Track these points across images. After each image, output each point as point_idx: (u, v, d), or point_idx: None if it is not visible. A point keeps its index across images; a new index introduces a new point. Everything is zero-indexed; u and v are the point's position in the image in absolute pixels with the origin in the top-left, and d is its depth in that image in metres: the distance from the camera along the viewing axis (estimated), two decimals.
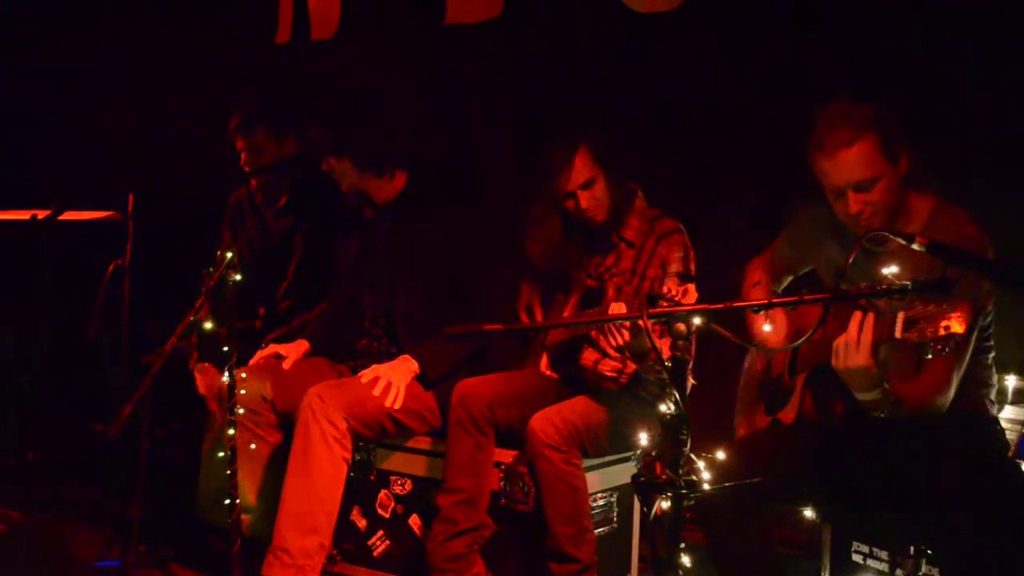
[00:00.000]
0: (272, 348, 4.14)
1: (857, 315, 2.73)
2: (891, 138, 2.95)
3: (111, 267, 4.12)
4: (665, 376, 2.58)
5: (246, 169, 4.57)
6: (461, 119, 5.26)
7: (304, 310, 4.41)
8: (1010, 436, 3.43)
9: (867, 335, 2.69)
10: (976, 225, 2.99)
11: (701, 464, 2.60)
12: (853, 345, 2.70)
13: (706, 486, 2.61)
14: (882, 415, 2.83)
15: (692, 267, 3.78)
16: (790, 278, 3.57)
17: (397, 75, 5.34)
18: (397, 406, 3.85)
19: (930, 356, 2.38)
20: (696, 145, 4.59)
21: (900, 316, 2.48)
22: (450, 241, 4.03)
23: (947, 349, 2.36)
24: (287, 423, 3.92)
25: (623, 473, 3.88)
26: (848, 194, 2.96)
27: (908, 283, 2.52)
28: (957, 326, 2.34)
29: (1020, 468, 2.54)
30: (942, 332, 2.36)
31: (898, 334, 2.45)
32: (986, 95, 3.81)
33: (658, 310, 2.58)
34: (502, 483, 3.77)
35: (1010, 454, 2.51)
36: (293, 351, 4.10)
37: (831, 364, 2.81)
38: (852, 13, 4.10)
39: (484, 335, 2.90)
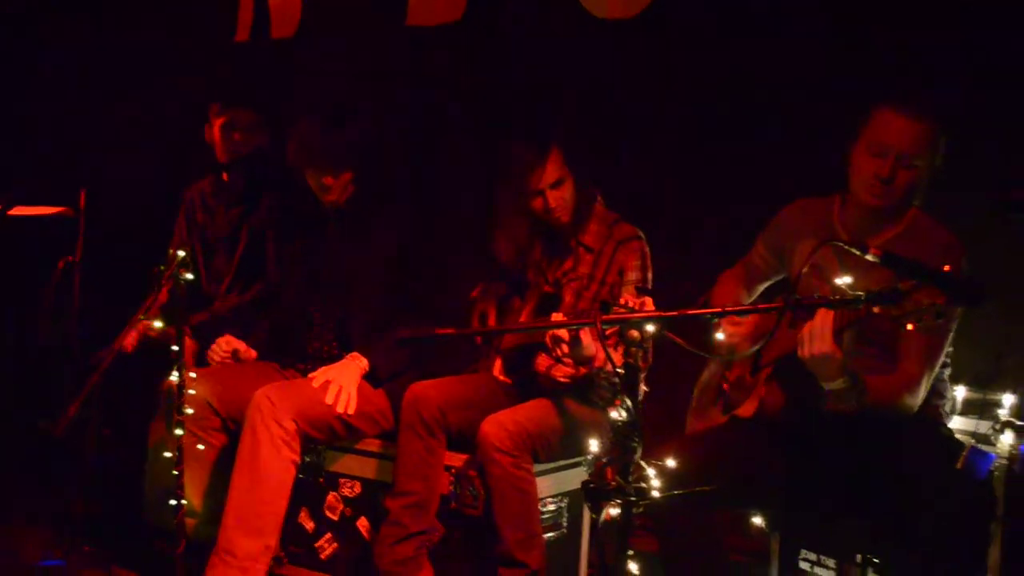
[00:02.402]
0: (227, 342, 4.09)
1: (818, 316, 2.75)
2: (943, 140, 3.02)
3: (61, 264, 4.06)
4: (617, 382, 2.58)
5: (223, 159, 4.50)
6: (420, 121, 5.23)
7: (247, 307, 4.36)
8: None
9: (827, 321, 2.71)
10: (952, 235, 3.06)
11: (651, 471, 2.61)
12: (817, 332, 2.71)
13: (656, 493, 2.62)
14: (850, 405, 2.83)
15: (649, 275, 3.79)
16: (765, 285, 3.58)
17: (357, 75, 5.31)
18: (350, 411, 3.82)
19: (911, 327, 2.38)
20: (660, 151, 4.59)
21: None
22: (404, 244, 4.01)
23: (929, 320, 2.37)
24: (232, 426, 3.87)
25: (574, 478, 3.87)
26: (890, 157, 3.00)
27: (862, 294, 2.54)
28: (933, 298, 2.35)
29: (973, 480, 2.55)
30: (923, 301, 2.36)
31: (876, 308, 2.47)
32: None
33: (612, 316, 2.58)
34: (452, 487, 3.74)
35: (958, 466, 2.52)
36: (243, 347, 4.07)
37: (798, 354, 2.83)
38: (823, 18, 4.11)
39: (436, 339, 2.87)
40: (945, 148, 3.04)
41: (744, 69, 4.22)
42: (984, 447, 3.38)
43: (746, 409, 3.24)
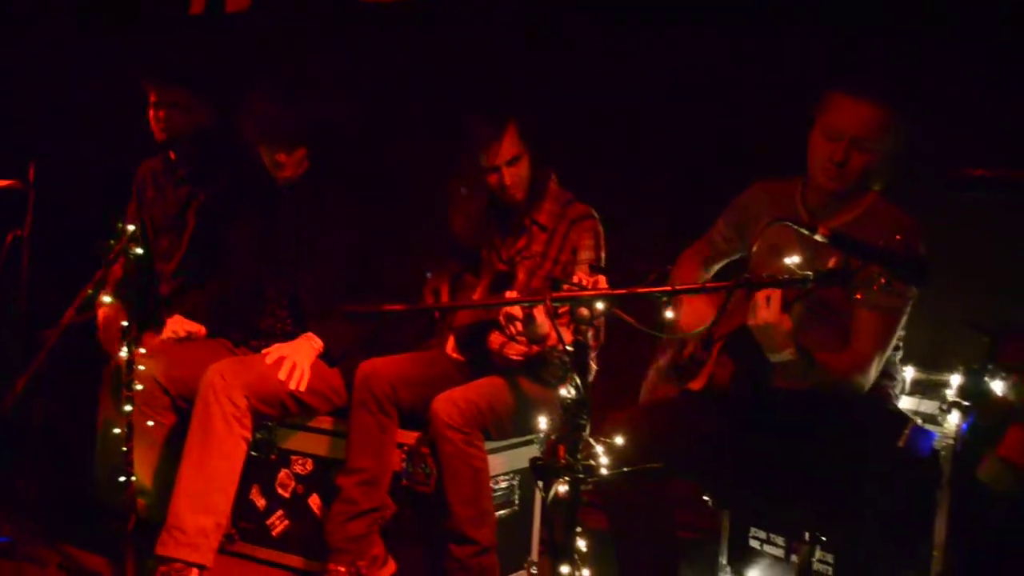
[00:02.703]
0: (178, 322, 4.05)
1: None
2: (900, 128, 3.04)
3: (9, 238, 4.00)
4: (568, 360, 2.58)
5: (160, 138, 4.45)
6: (377, 97, 5.20)
7: (196, 286, 4.32)
8: None
9: (776, 292, 2.73)
10: (910, 217, 3.09)
11: (600, 449, 2.62)
12: (762, 303, 2.74)
13: (604, 471, 2.63)
14: (797, 379, 2.86)
15: (603, 254, 3.79)
16: (723, 263, 3.59)
17: (312, 50, 5.27)
18: (302, 388, 3.80)
19: (859, 296, 2.40)
20: (616, 132, 4.60)
21: (830, 263, 2.52)
22: (358, 221, 3.99)
23: (875, 288, 2.39)
24: (183, 405, 3.84)
25: (526, 456, 3.86)
26: (844, 142, 3.03)
27: (809, 273, 2.56)
28: (882, 270, 2.37)
29: (915, 458, 2.58)
30: (873, 272, 2.39)
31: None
32: None
33: (561, 294, 2.57)
34: (404, 464, 3.75)
35: (900, 444, 2.54)
36: (195, 328, 4.04)
37: (747, 322, 2.84)
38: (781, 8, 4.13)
39: (384, 314, 2.85)
40: (907, 134, 3.05)
41: (700, 52, 4.24)
42: (931, 426, 3.43)
43: (697, 382, 3.26)
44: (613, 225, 3.87)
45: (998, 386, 2.63)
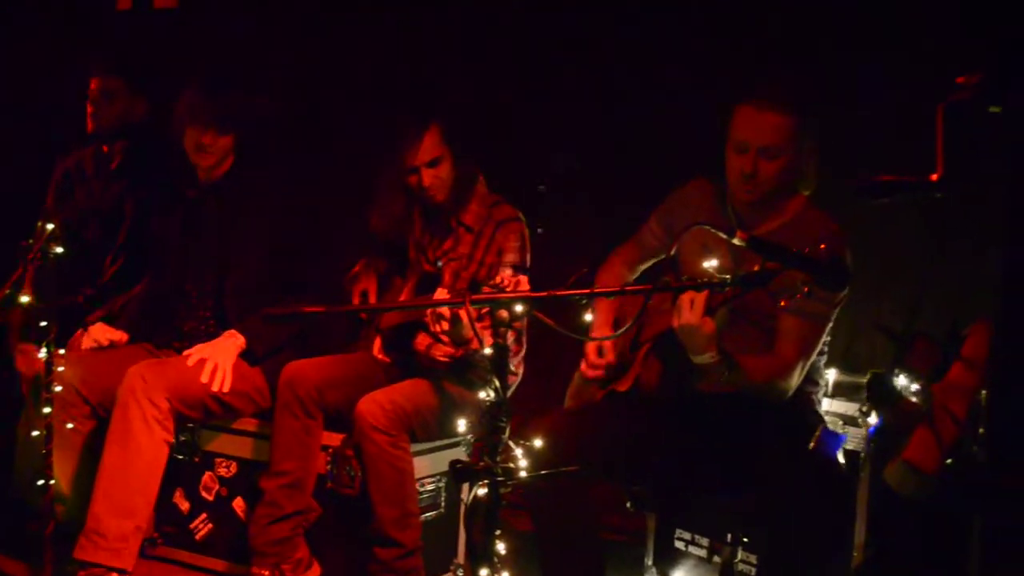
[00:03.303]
0: (100, 331, 3.99)
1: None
2: (808, 131, 3.07)
3: None
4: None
5: (93, 129, 4.38)
6: (303, 97, 5.17)
7: (128, 287, 4.26)
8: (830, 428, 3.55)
9: (700, 296, 2.74)
10: (836, 223, 3.11)
11: (519, 452, 2.61)
12: (686, 305, 2.75)
13: (523, 474, 2.63)
14: (720, 382, 2.87)
15: (527, 257, 3.79)
16: (652, 262, 3.60)
17: (241, 47, 5.22)
18: (225, 390, 3.75)
19: (783, 303, 2.42)
20: (546, 133, 4.61)
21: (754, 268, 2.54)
22: (283, 220, 3.95)
23: (798, 297, 2.40)
24: (103, 413, 3.77)
25: (453, 458, 3.86)
26: (751, 152, 3.06)
27: (727, 276, 2.58)
28: (805, 278, 2.39)
29: (824, 460, 2.61)
30: (797, 279, 2.40)
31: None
32: None
33: (481, 296, 2.57)
34: (329, 466, 3.72)
35: (810, 446, 2.57)
36: (118, 336, 3.98)
37: (672, 324, 2.85)
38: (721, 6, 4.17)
39: (304, 317, 2.84)
40: (813, 138, 3.08)
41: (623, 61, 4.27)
42: (851, 428, 3.48)
43: (623, 384, 3.27)
44: (540, 228, 3.89)
45: (905, 390, 2.67)
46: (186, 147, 3.91)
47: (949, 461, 1.97)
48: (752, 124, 3.05)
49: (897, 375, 2.35)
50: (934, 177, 2.00)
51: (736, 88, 3.09)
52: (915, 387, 2.90)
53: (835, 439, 2.59)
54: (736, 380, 2.92)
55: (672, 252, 2.75)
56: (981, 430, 1.96)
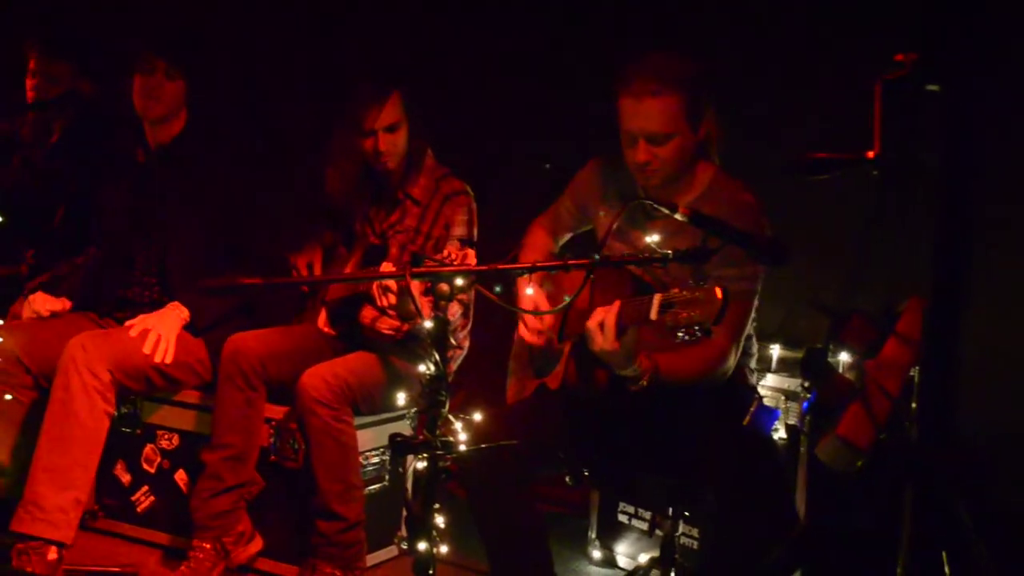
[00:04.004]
0: (40, 301, 3.93)
1: (599, 310, 2.77)
2: (697, 103, 2.97)
3: None
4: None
5: (34, 98, 4.30)
6: (259, 63, 5.11)
7: (69, 255, 4.20)
8: (771, 403, 3.58)
9: (610, 321, 2.71)
10: (752, 193, 3.05)
11: (458, 425, 2.61)
12: (596, 331, 2.73)
13: (462, 447, 2.62)
14: (642, 385, 2.86)
15: (475, 231, 3.78)
16: (569, 236, 3.58)
17: (196, 15, 5.14)
18: (168, 360, 3.72)
19: (679, 339, 2.41)
20: (499, 107, 4.60)
21: (656, 299, 2.51)
22: (230, 188, 3.90)
23: (696, 336, 2.40)
24: (44, 383, 3.71)
25: (398, 431, 3.85)
26: (640, 142, 2.97)
27: (669, 252, 2.58)
28: (702, 316, 2.38)
29: (759, 436, 2.62)
30: (694, 318, 2.39)
31: (653, 316, 2.48)
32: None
33: (422, 269, 2.56)
34: (272, 439, 3.70)
35: (745, 422, 2.58)
36: (60, 306, 3.92)
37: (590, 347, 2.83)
38: None
39: (241, 289, 2.81)
40: (711, 102, 3.01)
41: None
42: (793, 404, 3.51)
43: (553, 380, 3.24)
44: (487, 202, 3.88)
45: (840, 366, 2.69)
46: (136, 104, 3.84)
47: (882, 437, 1.99)
48: (634, 114, 2.96)
49: (832, 351, 2.37)
50: (870, 154, 2.01)
51: (616, 75, 3.00)
52: (850, 363, 2.93)
53: (769, 415, 2.60)
54: (666, 381, 2.90)
55: (615, 227, 2.71)
56: (914, 404, 1.98)
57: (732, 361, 3.03)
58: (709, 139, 3.08)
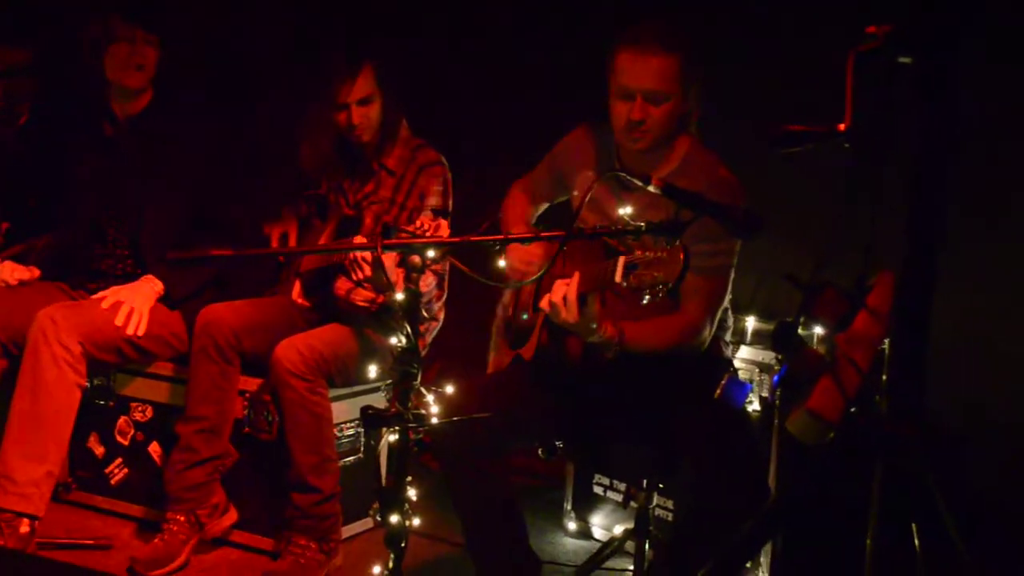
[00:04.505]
0: (8, 270, 3.89)
1: (559, 283, 2.76)
2: (694, 70, 2.97)
3: None
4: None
5: None
6: (230, 29, 5.07)
7: (42, 229, 4.15)
8: (745, 376, 3.58)
9: (571, 294, 2.71)
10: (728, 169, 3.05)
11: (430, 398, 2.61)
12: (560, 304, 2.72)
13: (434, 420, 2.62)
14: (611, 355, 2.86)
15: (450, 202, 3.77)
16: (546, 205, 3.56)
17: None
18: (140, 333, 3.69)
19: (646, 301, 2.40)
20: (474, 80, 4.57)
21: (620, 261, 2.50)
22: (204, 158, 3.87)
23: (659, 296, 2.39)
24: (15, 351, 3.67)
25: (373, 403, 3.83)
26: (637, 99, 2.95)
27: (642, 224, 2.57)
28: (665, 275, 2.37)
29: (730, 409, 2.62)
30: (657, 278, 2.38)
31: (617, 278, 2.47)
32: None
33: (393, 241, 2.54)
34: (246, 411, 3.69)
35: (716, 395, 2.58)
36: (28, 275, 3.88)
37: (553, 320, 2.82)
38: None
39: (211, 260, 2.78)
40: (698, 77, 3.00)
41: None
42: (767, 377, 3.51)
43: (527, 351, 3.23)
44: (462, 173, 3.86)
45: (811, 339, 2.69)
46: (109, 74, 3.79)
47: (852, 410, 1.99)
48: (635, 68, 2.94)
49: (803, 324, 2.36)
50: (842, 127, 2.00)
51: (616, 31, 2.99)
52: (821, 336, 2.93)
53: (741, 388, 2.60)
54: (633, 350, 2.90)
55: (585, 198, 2.70)
56: (884, 377, 1.97)
57: (707, 334, 3.03)
58: (691, 112, 3.08)
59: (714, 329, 3.07)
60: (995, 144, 3.49)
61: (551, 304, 2.72)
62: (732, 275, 3.05)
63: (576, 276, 2.70)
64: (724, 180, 3.00)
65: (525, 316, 3.26)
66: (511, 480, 3.12)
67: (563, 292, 2.70)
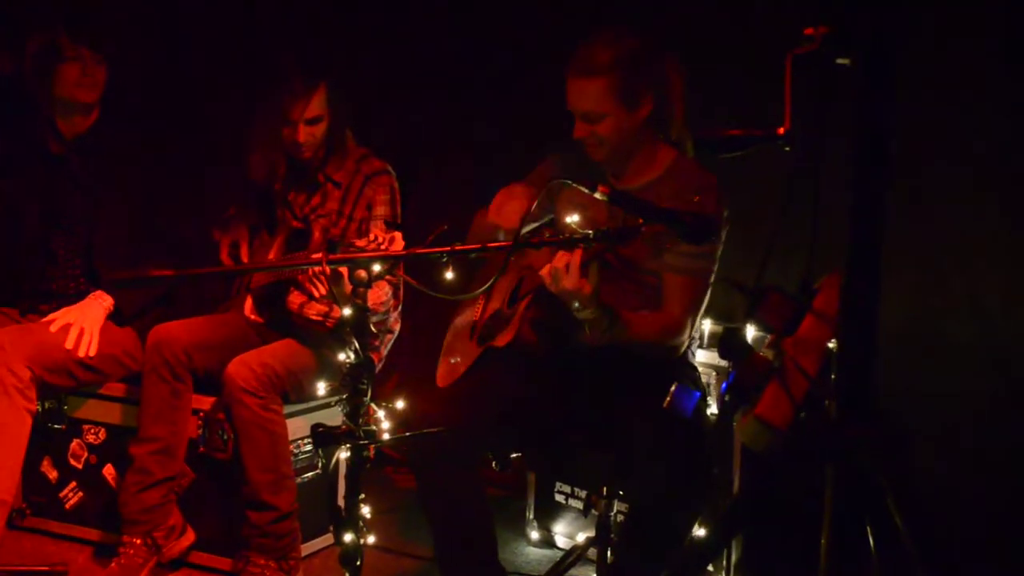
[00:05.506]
0: None
1: (561, 254, 2.76)
2: (631, 83, 3.00)
3: None
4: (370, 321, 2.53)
5: None
6: (182, 49, 5.02)
7: None
8: (704, 378, 3.57)
9: (575, 260, 2.71)
10: (709, 173, 3.09)
11: (381, 414, 2.57)
12: (562, 271, 2.71)
13: (386, 436, 2.59)
14: (603, 337, 2.86)
15: (399, 210, 3.74)
16: (534, 226, 3.54)
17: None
18: (92, 353, 3.64)
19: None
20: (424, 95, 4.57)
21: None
22: (150, 176, 3.82)
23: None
24: None
25: (331, 418, 3.79)
26: (576, 120, 3.06)
27: (590, 232, 2.57)
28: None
29: (679, 418, 2.60)
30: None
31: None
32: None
33: (338, 256, 2.52)
34: (200, 431, 3.64)
35: (664, 404, 2.56)
36: None
37: (552, 290, 2.82)
38: None
39: (151, 281, 2.74)
40: (647, 89, 3.04)
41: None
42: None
43: (502, 339, 3.23)
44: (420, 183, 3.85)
45: (757, 344, 2.66)
46: (57, 91, 3.73)
47: (801, 415, 1.98)
48: (572, 92, 3.06)
49: (749, 329, 2.36)
50: (781, 131, 1.99)
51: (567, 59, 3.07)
52: (767, 341, 2.92)
53: (689, 396, 2.58)
54: (619, 335, 2.90)
55: (532, 207, 2.71)
56: (833, 376, 1.96)
57: (687, 335, 3.08)
58: (661, 118, 3.11)
59: (693, 332, 3.10)
60: (934, 143, 3.53)
61: (552, 270, 2.74)
62: (712, 278, 3.10)
63: (579, 249, 2.71)
64: (704, 186, 3.04)
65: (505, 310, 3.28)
66: (485, 491, 3.12)
67: (566, 260, 2.72)
